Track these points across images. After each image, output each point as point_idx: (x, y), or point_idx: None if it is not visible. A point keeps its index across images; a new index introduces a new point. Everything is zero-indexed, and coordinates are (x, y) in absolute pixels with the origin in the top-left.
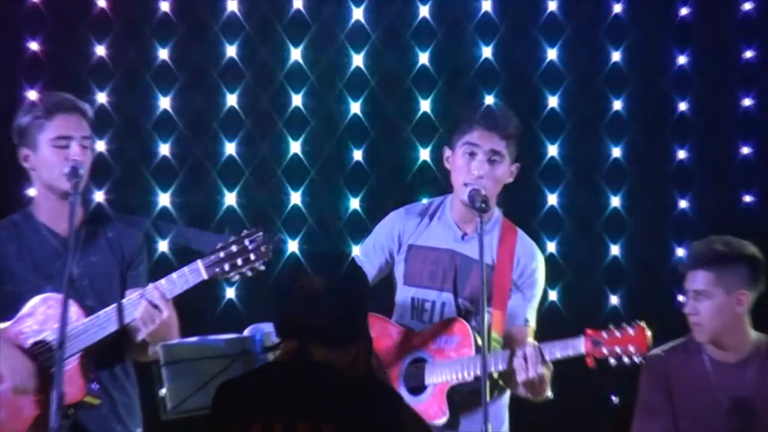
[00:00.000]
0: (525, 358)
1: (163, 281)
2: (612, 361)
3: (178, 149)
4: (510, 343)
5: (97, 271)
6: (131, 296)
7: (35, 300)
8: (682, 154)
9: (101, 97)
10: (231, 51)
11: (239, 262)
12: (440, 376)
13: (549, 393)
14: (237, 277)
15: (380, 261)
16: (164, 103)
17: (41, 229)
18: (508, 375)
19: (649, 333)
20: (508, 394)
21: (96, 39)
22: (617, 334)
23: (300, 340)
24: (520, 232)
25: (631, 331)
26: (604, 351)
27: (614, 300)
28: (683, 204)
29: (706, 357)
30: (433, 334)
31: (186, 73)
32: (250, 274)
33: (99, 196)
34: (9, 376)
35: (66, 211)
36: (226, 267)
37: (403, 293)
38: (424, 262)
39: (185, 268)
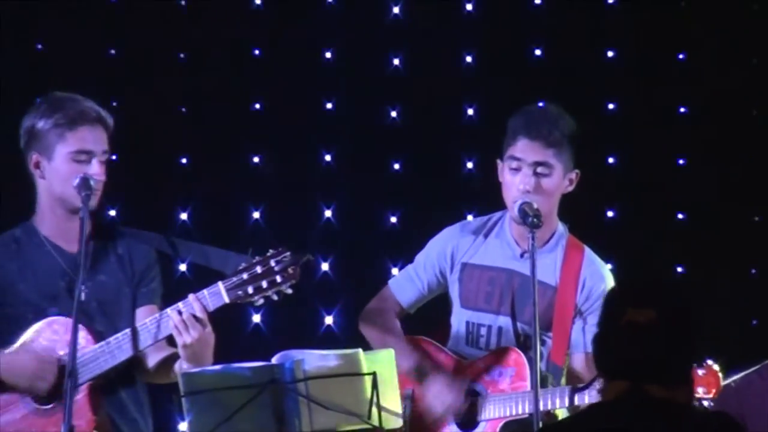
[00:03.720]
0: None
1: (205, 292)
2: None
3: (199, 160)
4: (575, 373)
5: (106, 291)
6: (145, 321)
7: (39, 324)
8: None
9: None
10: (257, 52)
11: (264, 284)
12: (493, 412)
13: None
14: (262, 301)
15: (430, 279)
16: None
17: (45, 245)
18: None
19: (720, 375)
20: None
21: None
22: None
23: (633, 379)
24: (588, 251)
25: (700, 373)
26: None
27: None
28: None
29: None
30: (487, 365)
31: (207, 76)
32: (276, 297)
33: (111, 212)
34: (26, 379)
35: (74, 225)
36: (250, 290)
37: (459, 316)
38: (479, 283)
39: (204, 291)
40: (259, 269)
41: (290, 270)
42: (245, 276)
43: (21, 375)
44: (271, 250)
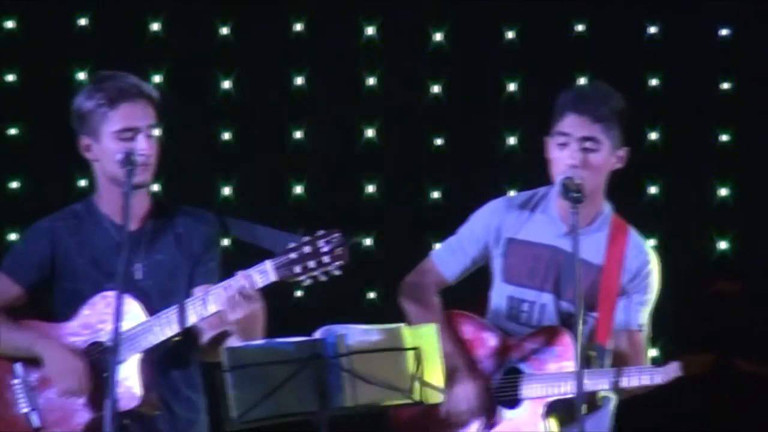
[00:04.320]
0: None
1: (252, 270)
2: None
3: (241, 136)
4: (619, 352)
5: (162, 270)
6: (197, 295)
7: (94, 298)
8: None
9: (156, 79)
10: (299, 27)
11: (312, 264)
12: (536, 391)
13: None
14: (309, 281)
15: (474, 253)
16: (226, 84)
17: (103, 222)
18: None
19: None
20: (613, 402)
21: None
22: None
23: (721, 351)
24: (632, 231)
25: None
26: None
27: None
28: None
29: None
30: (532, 343)
31: (249, 53)
32: (324, 278)
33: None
34: (57, 378)
35: (132, 203)
36: (298, 269)
37: (500, 291)
38: (523, 258)
39: (252, 269)
40: (307, 249)
41: (339, 251)
42: (293, 255)
43: (52, 371)
44: (320, 231)
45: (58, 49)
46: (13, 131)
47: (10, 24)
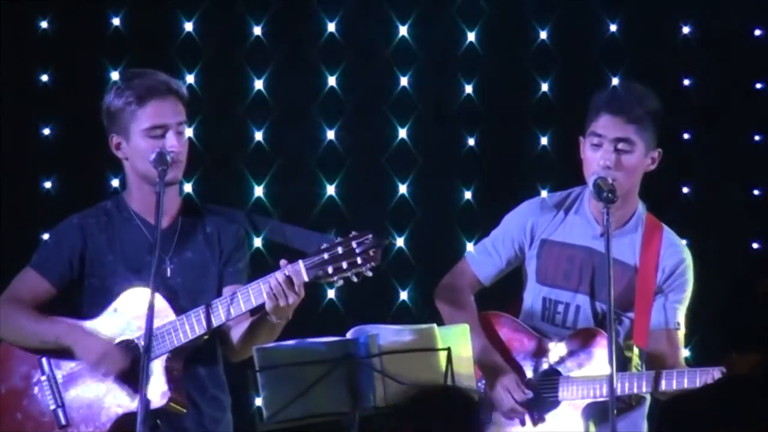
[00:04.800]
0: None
1: (285, 270)
2: None
3: (273, 136)
4: (656, 352)
5: (191, 269)
6: (225, 295)
7: (122, 296)
8: None
9: (189, 78)
10: (331, 27)
11: (344, 265)
12: (576, 393)
13: None
14: (341, 282)
15: (509, 254)
16: (258, 84)
17: (134, 219)
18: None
19: None
20: (647, 403)
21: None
22: None
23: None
24: (666, 229)
25: None
26: None
27: None
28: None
29: None
30: (570, 345)
31: (282, 52)
32: (355, 279)
33: (187, 187)
34: (93, 364)
35: (162, 200)
36: (330, 270)
37: (534, 292)
38: (558, 260)
39: (284, 269)
40: (340, 250)
41: (371, 252)
42: (326, 256)
43: (86, 358)
44: (353, 232)
45: (91, 49)
46: (46, 131)
47: (43, 24)
